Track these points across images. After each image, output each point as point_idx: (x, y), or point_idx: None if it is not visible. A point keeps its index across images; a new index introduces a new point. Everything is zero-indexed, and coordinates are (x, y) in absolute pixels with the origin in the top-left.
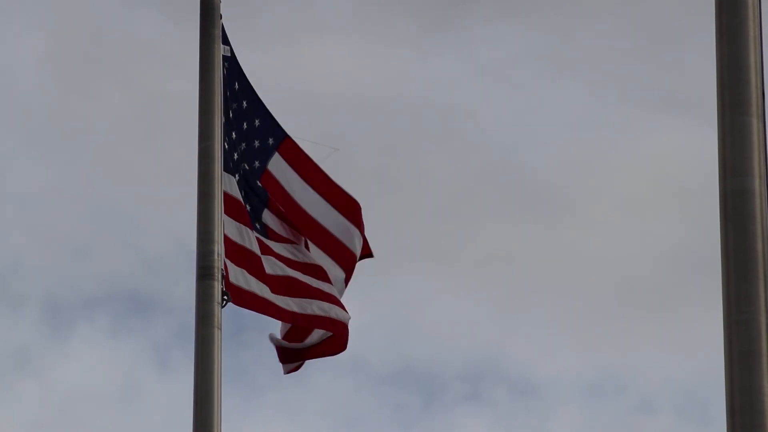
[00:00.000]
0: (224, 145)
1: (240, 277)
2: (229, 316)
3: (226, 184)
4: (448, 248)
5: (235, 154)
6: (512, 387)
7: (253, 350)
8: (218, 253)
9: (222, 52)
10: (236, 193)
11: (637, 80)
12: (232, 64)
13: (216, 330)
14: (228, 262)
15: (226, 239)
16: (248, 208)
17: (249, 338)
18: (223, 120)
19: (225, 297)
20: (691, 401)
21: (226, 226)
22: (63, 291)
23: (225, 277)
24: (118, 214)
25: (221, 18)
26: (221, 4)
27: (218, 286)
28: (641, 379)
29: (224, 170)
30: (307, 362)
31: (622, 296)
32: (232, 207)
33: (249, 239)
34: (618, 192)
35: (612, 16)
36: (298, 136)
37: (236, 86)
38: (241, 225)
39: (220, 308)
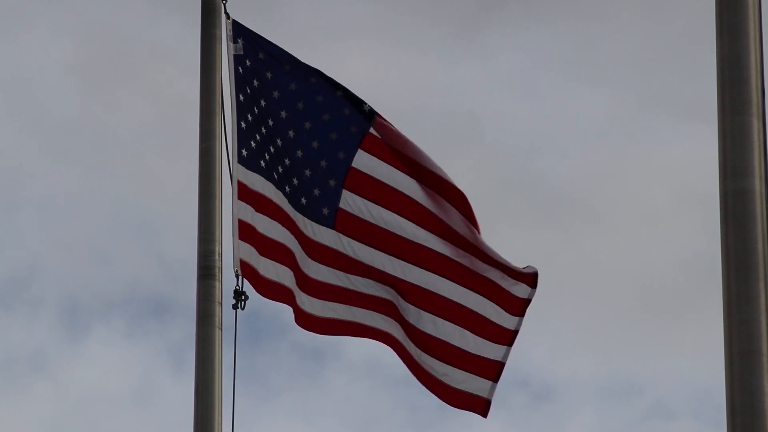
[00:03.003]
0: (251, 144)
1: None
2: (244, 319)
3: (254, 183)
4: None
5: (272, 148)
6: (528, 390)
7: (269, 352)
8: (219, 253)
9: (233, 51)
10: (265, 189)
11: (660, 88)
12: (252, 57)
13: (217, 330)
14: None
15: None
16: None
17: (265, 340)
18: (252, 118)
19: (242, 298)
20: (708, 404)
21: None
22: (81, 294)
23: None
24: (140, 219)
25: (229, 17)
26: (227, 4)
27: (219, 286)
28: (658, 382)
29: (249, 169)
30: (321, 365)
31: (641, 303)
32: (263, 204)
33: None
34: (639, 200)
35: (634, 24)
36: None
37: (268, 76)
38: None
39: (220, 308)
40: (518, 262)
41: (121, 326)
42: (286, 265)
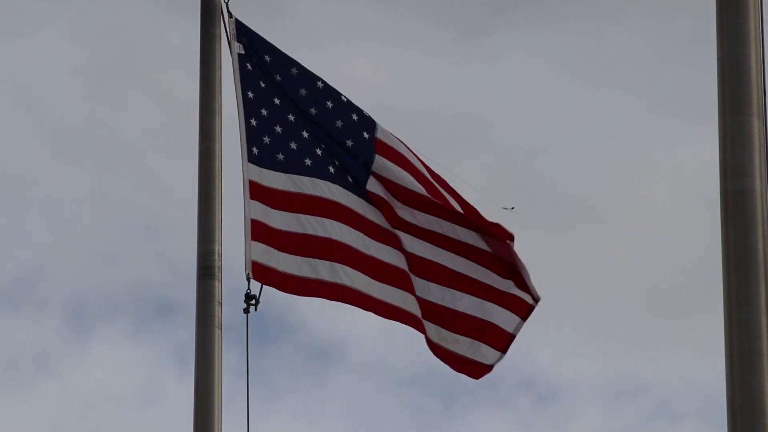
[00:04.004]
0: (264, 140)
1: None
2: (249, 319)
3: (269, 179)
4: None
5: (302, 135)
6: (533, 391)
7: (274, 352)
8: (218, 253)
9: (237, 50)
10: (282, 183)
11: (666, 89)
12: (259, 55)
13: (216, 330)
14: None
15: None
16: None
17: (270, 341)
18: (267, 113)
19: (252, 302)
20: (712, 405)
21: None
22: (87, 294)
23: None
24: (145, 220)
25: (231, 16)
26: (229, 3)
27: (219, 286)
28: (662, 383)
29: (262, 166)
30: (326, 366)
31: (646, 304)
32: (281, 199)
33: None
34: (644, 201)
35: (640, 26)
36: None
37: (278, 76)
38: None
39: (220, 308)
40: (528, 263)
41: (127, 327)
42: (315, 257)
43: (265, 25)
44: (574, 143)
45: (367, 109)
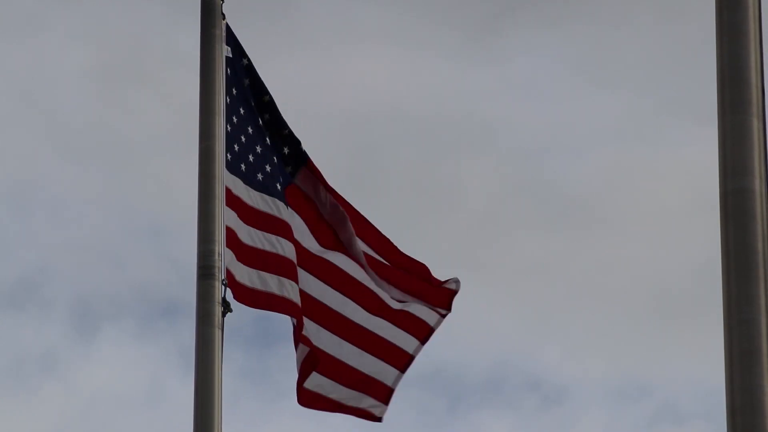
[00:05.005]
0: (234, 147)
1: (254, 277)
2: (255, 320)
3: (236, 187)
4: (483, 258)
5: (249, 158)
6: (539, 392)
7: (281, 353)
8: (219, 253)
9: (225, 53)
10: (242, 193)
11: (673, 91)
12: (237, 65)
13: (216, 330)
14: (239, 265)
15: (238, 243)
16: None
17: (276, 341)
18: (235, 121)
19: (226, 308)
20: (717, 406)
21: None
22: (92, 295)
23: (230, 282)
24: (151, 222)
25: (224, 18)
26: (224, 4)
27: (219, 286)
28: (668, 384)
29: (232, 173)
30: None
31: (652, 305)
32: (243, 211)
33: (271, 243)
34: (651, 203)
35: (647, 27)
36: (330, 149)
37: (243, 86)
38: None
39: (220, 308)
40: (530, 265)
41: (131, 328)
42: (269, 272)
43: (270, 27)
44: (579, 145)
45: (373, 112)
